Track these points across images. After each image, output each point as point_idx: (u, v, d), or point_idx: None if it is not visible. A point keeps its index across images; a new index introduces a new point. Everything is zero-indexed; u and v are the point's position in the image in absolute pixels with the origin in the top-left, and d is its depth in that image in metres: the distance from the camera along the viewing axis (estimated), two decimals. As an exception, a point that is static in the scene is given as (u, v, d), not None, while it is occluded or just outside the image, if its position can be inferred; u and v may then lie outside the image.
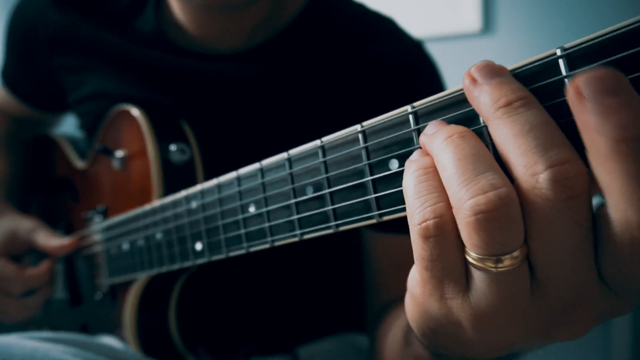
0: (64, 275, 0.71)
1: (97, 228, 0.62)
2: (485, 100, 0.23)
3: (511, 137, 0.21)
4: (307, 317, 0.62)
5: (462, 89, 0.26)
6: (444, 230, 0.23)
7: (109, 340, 0.60)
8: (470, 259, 0.23)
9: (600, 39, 0.21)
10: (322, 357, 0.60)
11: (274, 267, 0.60)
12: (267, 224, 0.37)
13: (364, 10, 0.67)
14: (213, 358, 0.60)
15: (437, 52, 0.72)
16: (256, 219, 0.38)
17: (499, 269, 0.22)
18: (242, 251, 0.39)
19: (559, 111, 0.22)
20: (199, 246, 0.44)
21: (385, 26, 0.66)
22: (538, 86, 0.23)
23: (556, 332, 0.24)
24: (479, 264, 0.22)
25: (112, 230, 0.58)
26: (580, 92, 0.19)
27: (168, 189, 0.55)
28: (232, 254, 0.41)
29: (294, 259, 0.60)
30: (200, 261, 0.45)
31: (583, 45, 0.22)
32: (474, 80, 0.24)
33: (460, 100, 0.26)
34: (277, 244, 0.36)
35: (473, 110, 0.26)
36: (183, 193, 0.46)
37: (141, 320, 0.57)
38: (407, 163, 0.26)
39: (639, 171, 0.18)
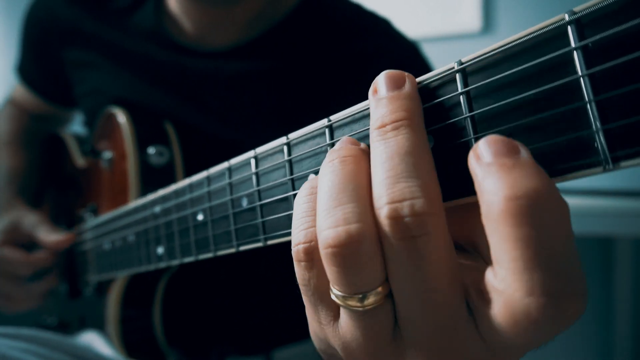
0: (64, 268, 0.74)
1: (88, 226, 0.64)
2: (371, 117, 0.22)
3: (375, 164, 0.20)
4: (285, 319, 0.62)
5: (367, 106, 0.24)
6: (314, 257, 0.22)
7: (91, 338, 0.62)
8: (333, 296, 0.22)
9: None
10: (298, 361, 0.60)
11: (252, 267, 0.60)
12: (210, 233, 0.36)
13: (360, 10, 0.66)
14: (189, 357, 0.61)
15: (437, 52, 0.71)
16: (202, 228, 0.38)
17: (365, 307, 0.21)
18: (192, 258, 0.39)
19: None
20: (160, 250, 0.45)
21: (380, 25, 0.65)
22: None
23: None
24: (341, 302, 0.21)
25: (98, 229, 0.60)
26: (478, 155, 0.18)
27: (145, 191, 0.55)
28: (186, 260, 0.41)
29: (273, 259, 0.60)
30: (162, 265, 0.45)
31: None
32: (375, 91, 0.22)
33: (365, 117, 0.25)
34: (219, 253, 0.36)
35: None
36: (149, 197, 0.46)
37: (124, 317, 0.58)
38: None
39: (529, 240, 0.16)
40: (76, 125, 0.94)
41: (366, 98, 0.26)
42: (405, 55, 0.64)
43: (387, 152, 0.20)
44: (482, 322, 0.19)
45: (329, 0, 0.64)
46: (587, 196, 0.96)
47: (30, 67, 0.78)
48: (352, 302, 0.21)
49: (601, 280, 1.33)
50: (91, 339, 0.63)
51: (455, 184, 0.21)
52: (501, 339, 0.19)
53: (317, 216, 0.21)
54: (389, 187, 0.19)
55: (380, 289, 0.20)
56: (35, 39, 0.74)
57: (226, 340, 0.61)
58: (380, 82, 0.22)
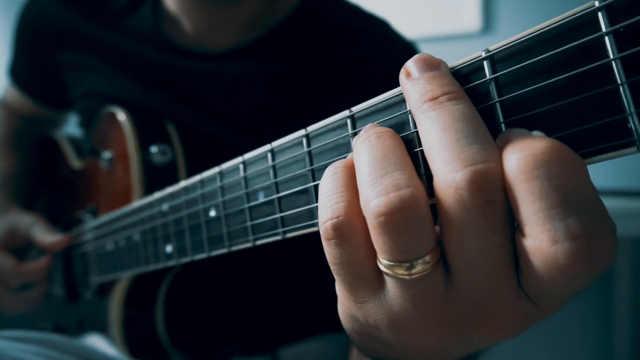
0: (61, 272, 0.73)
1: (87, 227, 0.63)
2: (414, 95, 0.22)
3: (433, 131, 0.20)
4: (290, 317, 0.61)
5: (399, 92, 0.25)
6: (344, 232, 0.22)
7: (95, 340, 0.62)
8: (381, 266, 0.22)
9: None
10: (305, 358, 0.60)
11: (257, 265, 0.60)
12: (225, 229, 0.36)
13: (358, 11, 0.66)
14: (194, 357, 0.60)
15: (437, 52, 0.71)
16: (215, 223, 0.37)
17: (413, 276, 0.21)
18: (205, 255, 0.39)
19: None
20: (169, 248, 0.44)
21: (378, 28, 0.65)
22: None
23: (470, 334, 0.22)
24: (389, 272, 0.21)
25: (99, 230, 0.59)
26: None
27: (149, 190, 0.55)
28: (197, 257, 0.40)
29: (278, 257, 0.60)
30: (171, 263, 0.45)
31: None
32: (408, 74, 0.23)
33: (396, 102, 0.25)
34: (233, 249, 0.36)
35: (407, 113, 0.24)
36: (157, 195, 0.46)
37: (127, 318, 0.58)
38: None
39: (543, 191, 0.17)
40: (70, 127, 0.93)
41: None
42: (403, 57, 0.64)
43: (450, 118, 0.20)
44: (523, 279, 0.20)
45: (328, 2, 0.65)
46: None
47: (22, 69, 0.77)
48: (402, 271, 0.21)
49: (601, 280, 1.34)
50: (94, 342, 0.62)
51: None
52: (541, 291, 0.20)
53: (361, 189, 0.21)
54: (464, 148, 0.19)
55: (431, 254, 0.20)
56: (28, 41, 0.73)
57: (231, 339, 0.61)
58: (415, 64, 0.22)
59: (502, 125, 0.21)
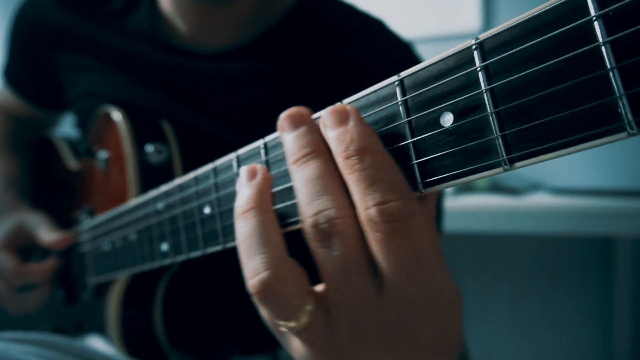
0: (60, 273, 0.73)
1: (84, 227, 0.63)
2: (285, 150, 0.28)
3: (297, 187, 0.27)
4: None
5: (383, 86, 0.25)
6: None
7: (95, 341, 0.61)
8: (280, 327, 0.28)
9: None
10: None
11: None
12: (219, 225, 0.36)
13: (354, 10, 0.66)
14: (193, 357, 0.60)
15: (436, 52, 0.70)
16: (210, 220, 0.37)
17: (303, 325, 0.27)
18: (200, 252, 0.39)
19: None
20: (164, 247, 0.44)
21: (373, 26, 0.65)
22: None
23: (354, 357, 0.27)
24: (286, 329, 0.27)
25: (96, 230, 0.59)
26: None
27: (145, 189, 0.55)
28: (192, 254, 0.40)
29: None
30: (166, 261, 0.44)
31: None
32: (281, 128, 0.28)
33: (388, 94, 0.25)
34: (228, 245, 0.36)
35: (393, 108, 0.24)
36: (151, 194, 0.46)
37: (125, 318, 0.57)
38: None
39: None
40: (66, 128, 0.93)
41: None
42: (398, 55, 0.64)
43: (306, 176, 0.26)
44: (376, 263, 0.26)
45: (323, 1, 0.65)
46: (587, 196, 0.96)
47: (17, 71, 0.77)
48: (293, 324, 0.27)
49: (601, 280, 1.33)
50: (93, 343, 0.62)
51: (476, 158, 0.21)
52: (384, 266, 0.25)
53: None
54: (310, 204, 0.26)
55: (309, 304, 0.27)
56: (23, 43, 0.73)
57: (231, 339, 0.61)
58: (285, 121, 0.28)
59: (493, 115, 0.20)
